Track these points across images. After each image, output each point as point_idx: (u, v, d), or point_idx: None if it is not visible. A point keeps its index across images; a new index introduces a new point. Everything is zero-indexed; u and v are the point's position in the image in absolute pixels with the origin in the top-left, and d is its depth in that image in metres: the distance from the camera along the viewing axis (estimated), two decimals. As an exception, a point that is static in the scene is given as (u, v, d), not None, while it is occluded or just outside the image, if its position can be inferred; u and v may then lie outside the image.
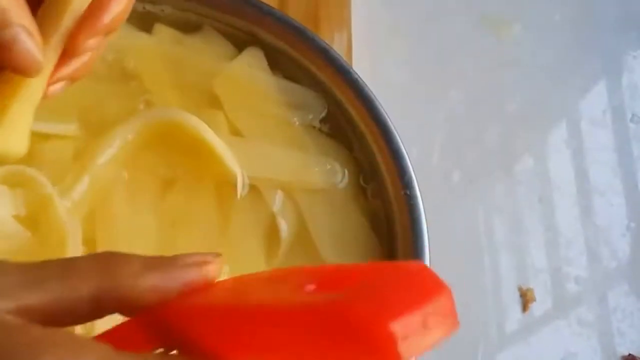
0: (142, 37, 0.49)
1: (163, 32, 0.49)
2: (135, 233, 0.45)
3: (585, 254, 0.59)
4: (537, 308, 0.57)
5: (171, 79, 0.48)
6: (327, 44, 0.49)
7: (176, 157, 0.46)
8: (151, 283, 0.25)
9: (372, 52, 0.62)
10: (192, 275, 0.26)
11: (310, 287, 0.25)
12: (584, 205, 0.60)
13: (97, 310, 0.25)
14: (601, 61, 0.65)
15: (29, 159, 0.43)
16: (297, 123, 0.49)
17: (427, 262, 0.44)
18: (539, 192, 0.60)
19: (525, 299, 0.57)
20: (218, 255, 0.27)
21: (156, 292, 0.25)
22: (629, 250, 0.60)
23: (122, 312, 0.26)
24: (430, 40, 0.64)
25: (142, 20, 0.49)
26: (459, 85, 0.63)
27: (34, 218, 0.43)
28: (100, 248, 0.43)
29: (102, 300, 0.25)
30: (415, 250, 0.45)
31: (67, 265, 0.25)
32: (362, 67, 0.56)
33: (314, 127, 0.49)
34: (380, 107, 0.47)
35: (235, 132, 0.48)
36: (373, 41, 0.62)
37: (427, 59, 0.63)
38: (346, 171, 0.48)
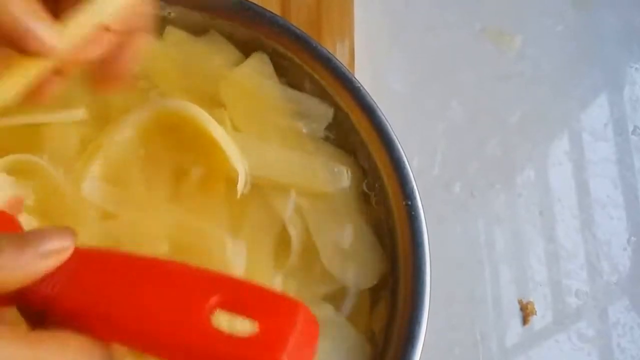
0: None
1: (171, 35, 0.49)
2: (154, 219, 0.44)
3: (586, 268, 0.59)
4: (538, 322, 0.57)
5: (178, 81, 0.48)
6: (329, 52, 0.48)
7: (185, 152, 0.45)
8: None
9: (374, 62, 0.62)
10: (49, 264, 0.28)
11: (214, 300, 0.29)
12: (585, 219, 0.60)
13: None
14: (603, 73, 0.65)
15: (34, 146, 0.44)
16: (303, 131, 0.48)
17: (428, 273, 0.44)
18: (539, 205, 0.60)
19: (526, 312, 0.56)
20: (74, 233, 0.30)
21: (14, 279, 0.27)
22: (629, 264, 0.59)
23: None
24: (432, 51, 0.64)
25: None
26: (460, 96, 0.62)
27: (42, 207, 0.43)
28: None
29: None
30: (415, 261, 0.44)
31: None
32: (363, 76, 0.56)
33: (319, 135, 0.49)
34: (382, 115, 0.47)
35: (240, 135, 0.48)
36: (375, 51, 0.62)
37: (428, 69, 0.63)
38: (352, 176, 0.48)
